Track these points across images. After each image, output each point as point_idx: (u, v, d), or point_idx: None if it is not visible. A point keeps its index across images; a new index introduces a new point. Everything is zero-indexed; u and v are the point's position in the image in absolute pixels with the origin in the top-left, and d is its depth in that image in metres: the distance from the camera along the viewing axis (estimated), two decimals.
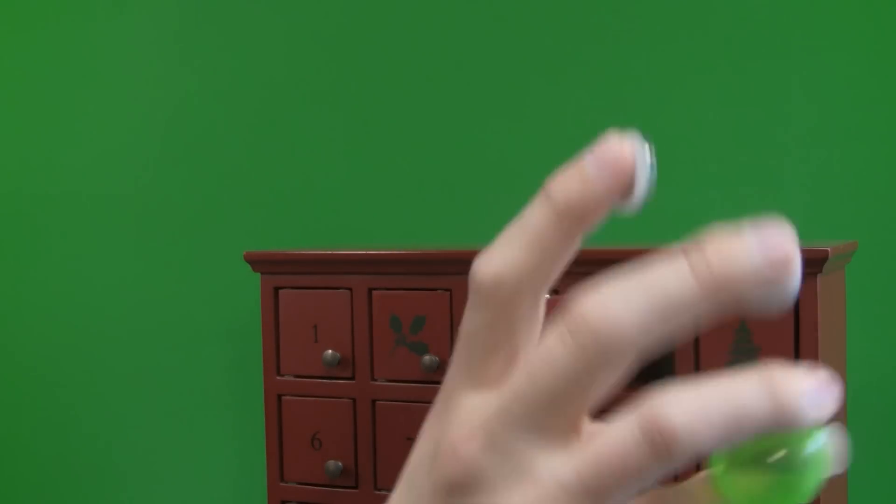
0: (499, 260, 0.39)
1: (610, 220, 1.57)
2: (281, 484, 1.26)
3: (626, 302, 0.37)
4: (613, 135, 0.36)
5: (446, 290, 1.17)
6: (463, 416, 0.40)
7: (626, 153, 0.37)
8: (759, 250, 0.34)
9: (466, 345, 0.42)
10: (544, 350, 0.39)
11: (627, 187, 0.37)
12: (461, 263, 1.15)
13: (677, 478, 0.39)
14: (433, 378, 1.19)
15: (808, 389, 0.34)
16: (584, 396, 0.38)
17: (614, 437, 0.36)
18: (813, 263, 0.98)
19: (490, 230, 1.58)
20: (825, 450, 0.34)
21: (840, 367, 1.14)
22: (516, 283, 0.40)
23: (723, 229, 0.34)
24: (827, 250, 0.99)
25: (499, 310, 0.40)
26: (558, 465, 0.37)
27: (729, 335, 1.04)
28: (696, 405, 0.35)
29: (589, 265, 1.10)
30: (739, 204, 1.44)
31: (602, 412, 0.35)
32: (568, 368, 0.38)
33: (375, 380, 1.21)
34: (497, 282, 0.40)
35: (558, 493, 0.37)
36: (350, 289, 1.21)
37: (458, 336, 0.42)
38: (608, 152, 0.37)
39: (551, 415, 0.38)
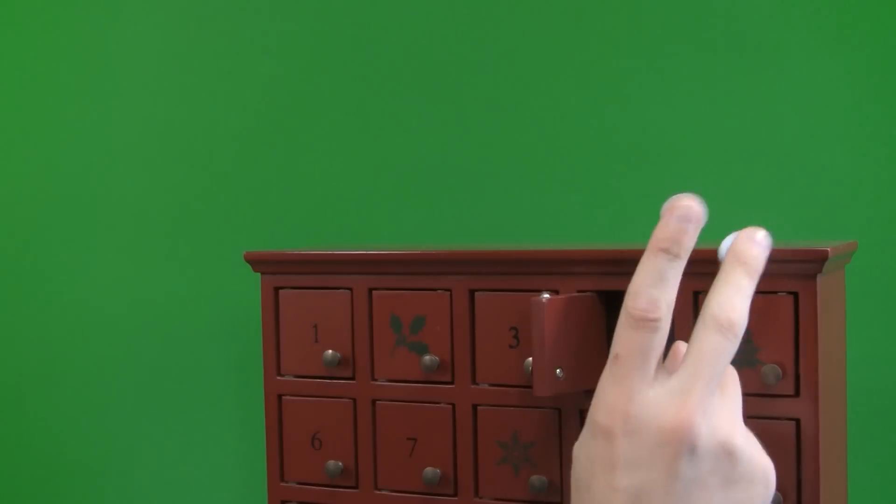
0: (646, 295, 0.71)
1: (609, 221, 1.57)
2: (281, 484, 1.26)
3: (743, 308, 0.69)
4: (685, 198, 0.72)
5: (446, 290, 1.17)
6: (664, 401, 0.66)
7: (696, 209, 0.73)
8: (762, 240, 0.74)
9: (633, 358, 0.68)
10: (711, 342, 0.68)
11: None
12: (461, 263, 1.16)
13: None
14: (433, 378, 1.19)
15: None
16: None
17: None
18: (813, 263, 0.98)
19: (490, 230, 1.58)
20: None
21: (840, 367, 1.14)
22: (665, 309, 0.70)
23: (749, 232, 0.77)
24: (827, 250, 0.99)
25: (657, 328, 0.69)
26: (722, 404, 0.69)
27: None
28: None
29: (590, 265, 1.10)
30: (739, 204, 1.44)
31: None
32: (729, 351, 0.67)
33: (376, 380, 1.22)
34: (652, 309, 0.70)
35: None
36: (350, 289, 1.22)
37: (617, 354, 0.70)
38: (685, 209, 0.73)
39: (720, 378, 0.67)
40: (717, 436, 0.64)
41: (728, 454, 0.65)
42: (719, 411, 0.66)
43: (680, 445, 0.63)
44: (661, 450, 0.63)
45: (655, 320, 0.68)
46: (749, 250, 0.74)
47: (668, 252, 0.72)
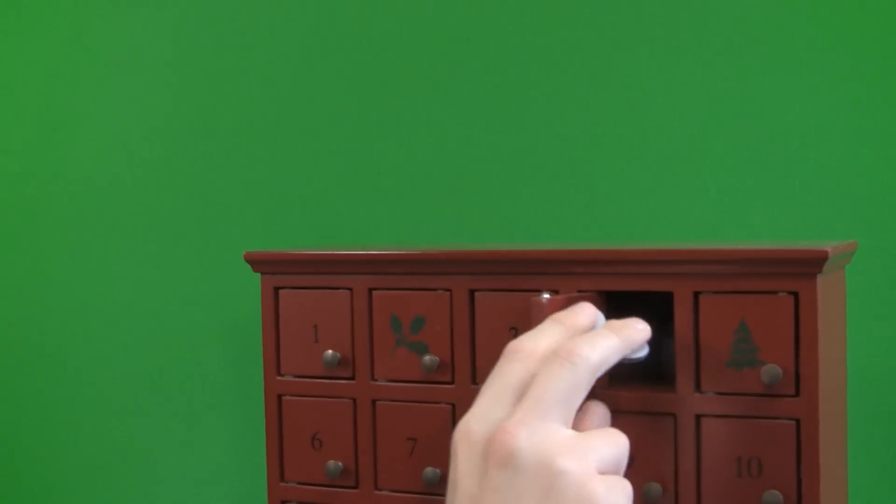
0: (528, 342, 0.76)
1: (609, 221, 1.56)
2: (281, 484, 1.26)
3: (588, 343, 0.71)
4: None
5: (446, 290, 1.17)
6: (500, 420, 0.69)
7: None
8: (642, 330, 0.80)
9: (489, 381, 0.72)
10: (546, 369, 0.69)
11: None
12: (461, 263, 1.15)
13: None
14: (433, 378, 1.19)
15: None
16: (576, 397, 0.69)
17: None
18: (813, 263, 0.98)
19: (490, 230, 1.58)
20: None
21: (840, 367, 1.14)
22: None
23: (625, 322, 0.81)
24: (827, 250, 0.99)
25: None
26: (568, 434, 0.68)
27: (728, 335, 1.04)
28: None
29: (590, 265, 1.10)
30: (739, 204, 1.44)
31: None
32: (566, 377, 0.68)
33: (375, 380, 1.22)
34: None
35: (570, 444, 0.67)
36: (350, 289, 1.22)
37: (490, 382, 0.72)
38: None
39: (564, 405, 0.68)
40: (538, 452, 0.63)
41: (549, 474, 0.63)
42: (556, 436, 0.65)
43: (496, 456, 0.64)
44: (483, 462, 0.64)
45: (518, 352, 0.71)
46: (626, 323, 0.79)
47: (562, 323, 0.77)
